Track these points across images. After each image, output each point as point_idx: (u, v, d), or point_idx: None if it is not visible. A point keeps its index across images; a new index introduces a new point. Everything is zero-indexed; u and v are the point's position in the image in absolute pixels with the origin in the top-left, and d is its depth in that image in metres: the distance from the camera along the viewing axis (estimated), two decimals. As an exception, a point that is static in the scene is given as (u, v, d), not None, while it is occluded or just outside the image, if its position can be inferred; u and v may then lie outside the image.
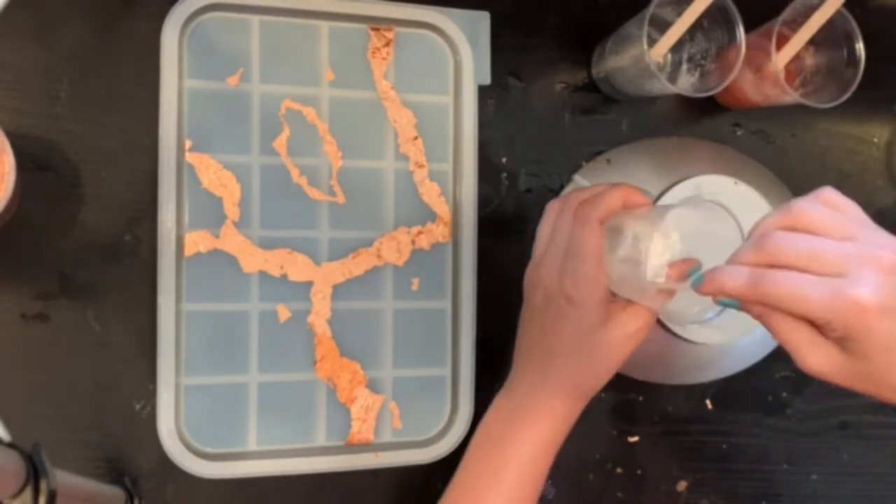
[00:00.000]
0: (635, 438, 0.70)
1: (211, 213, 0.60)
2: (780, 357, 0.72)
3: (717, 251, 0.47)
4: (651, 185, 0.66)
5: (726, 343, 0.68)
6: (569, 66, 0.69)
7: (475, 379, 0.65)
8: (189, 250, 0.59)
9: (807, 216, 0.43)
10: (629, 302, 0.52)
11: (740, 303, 0.45)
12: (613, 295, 0.52)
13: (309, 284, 0.62)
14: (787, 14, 0.61)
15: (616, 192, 0.52)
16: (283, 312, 0.62)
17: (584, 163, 0.69)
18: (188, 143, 0.60)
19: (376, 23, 0.64)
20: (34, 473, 0.39)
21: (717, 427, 0.72)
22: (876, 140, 0.76)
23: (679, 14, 0.60)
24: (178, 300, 0.59)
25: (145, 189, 0.60)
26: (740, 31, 0.61)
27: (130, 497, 0.54)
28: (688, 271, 0.49)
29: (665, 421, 0.71)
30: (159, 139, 0.59)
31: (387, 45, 0.64)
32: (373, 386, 0.63)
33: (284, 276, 0.62)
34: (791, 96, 0.62)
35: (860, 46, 0.63)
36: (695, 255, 0.50)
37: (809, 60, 0.67)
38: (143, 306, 0.59)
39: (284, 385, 0.62)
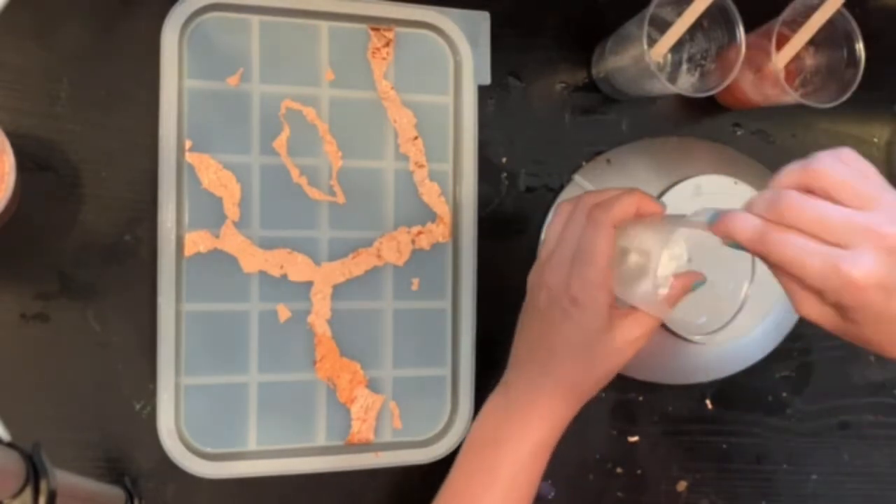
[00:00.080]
0: (635, 438, 0.70)
1: (211, 213, 0.60)
2: (780, 357, 0.72)
3: (724, 263, 0.47)
4: (651, 185, 0.66)
5: (726, 343, 0.68)
6: (569, 66, 0.69)
7: (475, 379, 0.65)
8: (189, 250, 0.59)
9: (827, 178, 0.42)
10: (632, 308, 0.52)
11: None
12: (617, 300, 0.53)
13: (309, 284, 0.62)
14: (787, 14, 0.61)
15: (630, 197, 0.52)
16: (283, 312, 0.62)
17: (584, 163, 0.69)
18: (188, 143, 0.60)
19: (376, 23, 0.64)
20: (34, 473, 0.39)
21: (717, 427, 0.72)
22: (876, 140, 0.76)
23: (679, 14, 0.60)
24: (178, 300, 0.59)
25: (145, 189, 0.60)
26: (740, 31, 0.61)
27: (130, 497, 0.54)
28: (691, 284, 0.49)
29: (665, 421, 0.71)
30: (159, 139, 0.59)
31: (387, 45, 0.64)
32: (373, 386, 0.63)
33: (284, 276, 0.62)
34: (791, 96, 0.62)
35: (860, 46, 0.63)
36: (702, 267, 0.50)
37: (809, 60, 0.67)
38: (143, 306, 0.59)
39: (284, 385, 0.62)
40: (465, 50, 0.65)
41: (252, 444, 0.61)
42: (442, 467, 0.58)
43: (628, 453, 0.70)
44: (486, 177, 0.66)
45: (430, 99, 0.65)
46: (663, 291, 0.48)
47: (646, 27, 0.59)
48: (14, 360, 0.58)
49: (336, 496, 0.64)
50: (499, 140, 0.67)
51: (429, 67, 0.65)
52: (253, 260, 0.61)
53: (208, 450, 0.60)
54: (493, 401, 0.56)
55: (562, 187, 0.68)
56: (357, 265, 0.63)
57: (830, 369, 0.74)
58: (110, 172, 0.60)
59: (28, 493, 0.39)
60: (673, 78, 0.67)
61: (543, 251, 0.55)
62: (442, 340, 0.65)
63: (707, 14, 0.61)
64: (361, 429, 0.63)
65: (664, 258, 0.48)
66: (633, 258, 0.50)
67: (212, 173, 0.60)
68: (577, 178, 0.68)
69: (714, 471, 0.72)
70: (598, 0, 0.69)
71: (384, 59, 0.64)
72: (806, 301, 0.43)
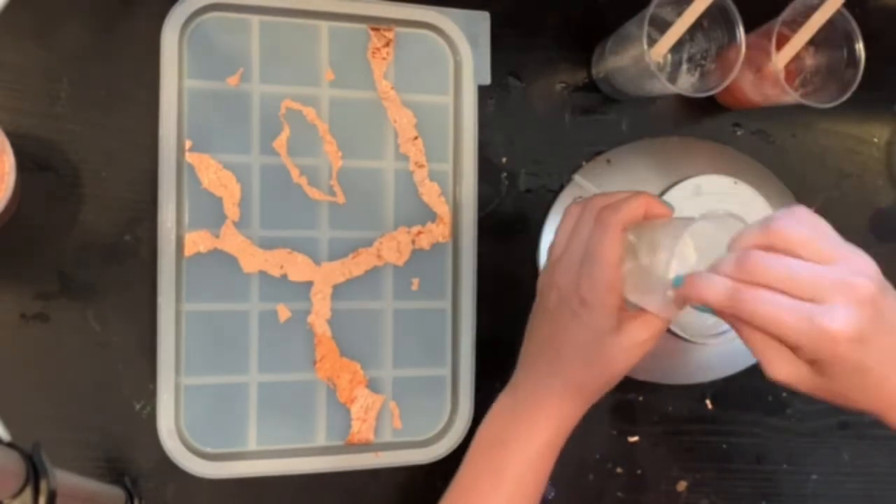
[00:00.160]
0: (635, 438, 0.70)
1: (211, 213, 0.60)
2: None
3: None
4: (651, 185, 0.66)
5: (726, 343, 0.68)
6: (569, 66, 0.69)
7: (475, 379, 0.65)
8: (189, 250, 0.59)
9: (786, 236, 0.43)
10: (641, 311, 0.52)
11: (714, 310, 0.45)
12: (626, 302, 0.53)
13: (309, 284, 0.62)
14: (787, 14, 0.61)
15: (639, 199, 0.52)
16: (283, 312, 0.62)
17: (584, 163, 0.69)
18: (188, 143, 0.60)
19: (376, 23, 0.64)
20: (34, 473, 0.39)
21: (717, 427, 0.72)
22: (876, 140, 0.76)
23: (679, 14, 0.60)
24: (178, 300, 0.59)
25: (145, 189, 0.60)
26: (740, 31, 0.61)
27: (130, 497, 0.54)
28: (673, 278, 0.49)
29: (665, 421, 0.71)
30: (159, 139, 0.59)
31: (387, 45, 0.64)
32: (373, 386, 0.63)
33: (284, 276, 0.62)
34: (791, 96, 0.62)
35: (860, 46, 0.63)
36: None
37: (809, 60, 0.67)
38: (143, 306, 0.59)
39: (284, 385, 0.62)
40: (465, 50, 0.65)
41: (252, 444, 0.61)
42: (442, 467, 0.59)
43: (628, 453, 0.70)
44: (486, 177, 0.66)
45: (430, 99, 0.65)
46: (671, 295, 0.48)
47: (646, 27, 0.59)
48: (14, 360, 0.58)
49: (336, 496, 0.64)
50: (499, 140, 0.67)
51: (429, 67, 0.65)
52: (253, 260, 0.61)
53: (208, 450, 0.60)
54: (502, 401, 0.56)
55: (562, 187, 0.68)
56: (357, 265, 0.63)
57: (830, 369, 0.74)
58: (110, 172, 0.60)
59: (28, 493, 0.39)
60: (673, 78, 0.67)
61: (553, 253, 0.55)
62: (442, 340, 0.65)
63: (707, 14, 0.61)
64: (361, 429, 0.63)
65: (673, 260, 0.48)
66: (642, 260, 0.51)
67: (212, 173, 0.60)
68: (577, 178, 0.68)
69: (714, 471, 0.72)
70: (598, 0, 0.69)
71: (384, 59, 0.64)
72: (776, 361, 0.44)
